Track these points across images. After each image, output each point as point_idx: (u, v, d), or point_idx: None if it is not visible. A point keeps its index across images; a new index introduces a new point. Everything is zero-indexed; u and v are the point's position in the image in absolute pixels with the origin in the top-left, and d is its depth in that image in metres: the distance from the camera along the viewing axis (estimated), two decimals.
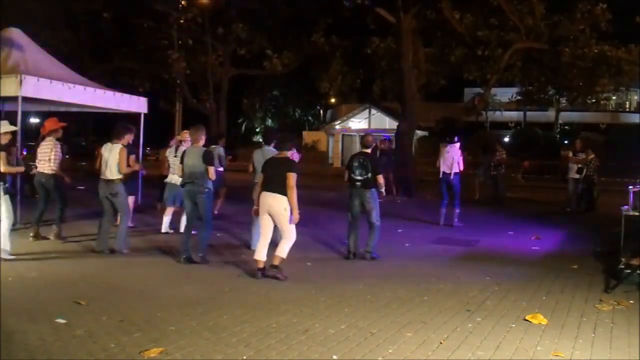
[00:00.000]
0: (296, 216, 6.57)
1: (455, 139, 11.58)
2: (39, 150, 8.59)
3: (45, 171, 8.41)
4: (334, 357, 4.28)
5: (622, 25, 19.21)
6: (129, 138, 8.13)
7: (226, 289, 6.18)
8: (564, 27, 19.52)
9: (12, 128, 7.56)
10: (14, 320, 4.83)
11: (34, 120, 39.31)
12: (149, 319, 5.01)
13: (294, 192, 6.52)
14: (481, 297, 6.09)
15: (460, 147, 11.51)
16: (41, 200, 8.67)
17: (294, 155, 9.26)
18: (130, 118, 13.43)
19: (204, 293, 5.96)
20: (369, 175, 7.90)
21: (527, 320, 5.27)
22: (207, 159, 7.33)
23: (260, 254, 6.69)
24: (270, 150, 8.57)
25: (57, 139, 8.59)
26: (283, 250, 6.64)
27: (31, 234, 8.49)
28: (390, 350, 4.43)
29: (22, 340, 4.41)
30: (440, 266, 7.68)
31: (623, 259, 7.12)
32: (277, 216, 6.63)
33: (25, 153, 11.88)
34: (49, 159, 8.38)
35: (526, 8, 19.10)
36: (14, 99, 9.93)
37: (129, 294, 5.82)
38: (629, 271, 6.73)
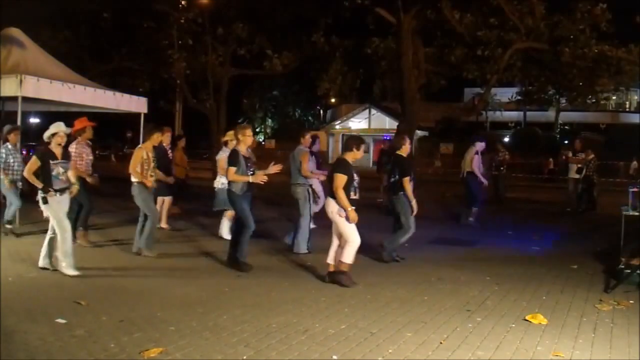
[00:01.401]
0: (351, 216, 6.28)
1: (475, 139, 11.72)
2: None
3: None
4: (334, 357, 4.28)
5: (622, 25, 19.19)
6: (157, 138, 7.96)
7: (226, 289, 6.18)
8: (564, 27, 19.48)
9: (66, 130, 6.77)
10: (14, 320, 4.83)
11: (34, 120, 39.30)
12: (149, 319, 5.01)
13: (340, 193, 6.27)
14: (481, 297, 6.10)
15: (482, 148, 11.64)
16: (76, 204, 8.19)
17: (316, 146, 9.05)
18: (130, 118, 13.45)
19: (204, 293, 5.96)
20: (397, 178, 7.77)
21: (527, 320, 5.27)
22: (228, 159, 7.11)
23: (328, 257, 6.58)
24: (300, 150, 8.48)
25: (89, 140, 8.38)
26: (345, 255, 6.38)
27: (77, 240, 8.20)
28: (390, 350, 4.44)
29: (22, 340, 4.41)
30: (441, 266, 7.67)
31: (623, 259, 7.13)
32: (333, 221, 6.50)
33: (25, 153, 11.84)
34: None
35: (526, 8, 19.07)
36: (14, 99, 9.93)
37: (129, 294, 5.82)
38: (629, 271, 6.73)
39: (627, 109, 51.27)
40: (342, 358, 4.27)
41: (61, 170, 6.62)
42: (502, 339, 4.77)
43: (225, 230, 9.13)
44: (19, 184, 8.87)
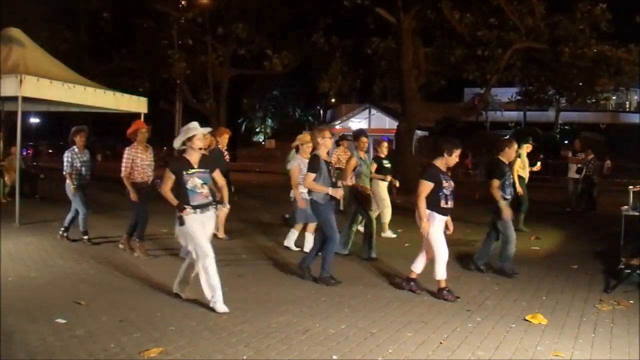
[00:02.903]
0: (423, 226, 5.85)
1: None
2: None
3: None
4: (334, 357, 4.28)
5: (622, 25, 19.21)
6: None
7: (226, 289, 6.16)
8: (564, 27, 19.52)
9: (204, 130, 5.65)
10: (14, 320, 4.83)
11: (34, 120, 39.26)
12: (149, 319, 5.01)
13: (419, 200, 5.82)
14: (481, 297, 6.10)
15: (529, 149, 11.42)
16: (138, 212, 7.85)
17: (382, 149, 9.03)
18: (130, 118, 13.45)
19: (204, 293, 5.94)
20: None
21: (527, 320, 5.27)
22: (309, 164, 6.57)
23: (414, 265, 6.27)
24: (352, 154, 8.27)
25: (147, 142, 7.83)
26: (435, 272, 5.99)
27: (121, 245, 8.05)
28: (390, 350, 4.43)
29: (22, 340, 4.41)
30: None
31: (623, 259, 7.13)
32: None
33: (25, 153, 11.80)
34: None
35: (526, 8, 19.11)
36: (14, 99, 9.94)
37: (129, 294, 5.82)
38: (629, 271, 6.74)
39: (627, 109, 51.27)
40: (342, 358, 4.27)
41: (198, 182, 5.40)
42: (502, 339, 4.77)
43: (291, 241, 8.48)
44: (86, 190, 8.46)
